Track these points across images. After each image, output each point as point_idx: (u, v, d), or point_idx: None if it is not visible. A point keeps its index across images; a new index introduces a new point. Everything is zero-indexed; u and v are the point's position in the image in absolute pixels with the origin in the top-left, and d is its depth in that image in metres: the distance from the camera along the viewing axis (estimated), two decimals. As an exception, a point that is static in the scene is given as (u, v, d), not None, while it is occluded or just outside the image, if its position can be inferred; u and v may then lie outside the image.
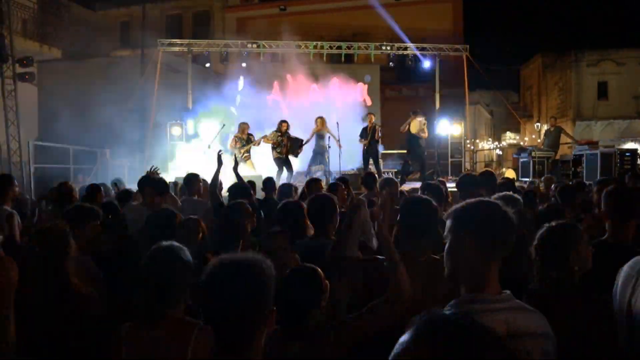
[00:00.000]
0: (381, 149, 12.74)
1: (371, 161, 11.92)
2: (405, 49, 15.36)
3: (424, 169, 11.98)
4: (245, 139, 10.90)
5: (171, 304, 2.00)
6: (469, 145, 17.30)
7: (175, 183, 8.01)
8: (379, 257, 2.38)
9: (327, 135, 11.36)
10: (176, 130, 14.27)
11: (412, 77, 18.24)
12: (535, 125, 26.62)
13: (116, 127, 13.81)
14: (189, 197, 5.66)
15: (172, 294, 2.00)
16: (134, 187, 5.85)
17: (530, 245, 2.28)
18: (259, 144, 10.96)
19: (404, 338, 0.84)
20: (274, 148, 10.91)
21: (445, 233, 1.69)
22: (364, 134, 11.79)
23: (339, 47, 15.47)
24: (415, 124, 11.50)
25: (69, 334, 2.34)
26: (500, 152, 27.94)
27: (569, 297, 2.08)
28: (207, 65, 15.36)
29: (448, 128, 15.03)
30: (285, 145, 10.83)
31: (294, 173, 10.96)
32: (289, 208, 3.43)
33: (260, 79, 15.00)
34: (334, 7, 21.83)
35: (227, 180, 5.97)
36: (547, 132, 13.30)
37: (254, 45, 15.24)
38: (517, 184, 7.87)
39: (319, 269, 2.07)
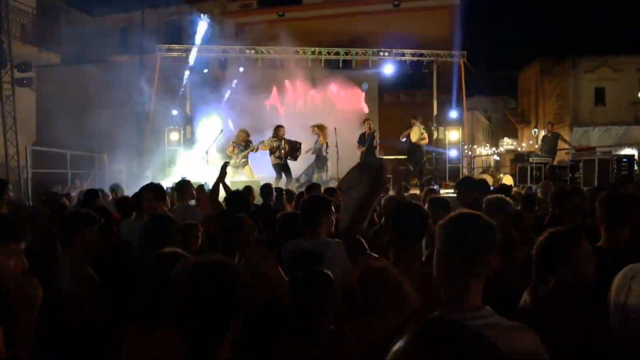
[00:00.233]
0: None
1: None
2: (403, 55, 15.41)
3: (422, 174, 12.00)
4: (243, 145, 10.95)
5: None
6: (466, 151, 17.33)
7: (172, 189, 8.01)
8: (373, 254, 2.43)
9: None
10: (174, 136, 14.29)
11: (410, 83, 18.25)
12: (532, 131, 26.63)
13: (114, 132, 13.81)
14: (182, 204, 5.67)
15: None
16: (131, 192, 5.85)
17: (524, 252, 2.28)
18: (257, 150, 10.99)
19: (399, 345, 0.83)
20: (272, 153, 10.93)
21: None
22: (362, 140, 11.81)
23: (337, 53, 15.53)
24: (416, 133, 11.53)
25: (61, 339, 2.33)
26: (498, 158, 27.96)
27: (564, 309, 2.07)
28: (206, 70, 15.38)
29: (446, 134, 15.07)
30: (284, 149, 10.86)
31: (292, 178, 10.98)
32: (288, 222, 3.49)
33: (259, 84, 15.01)
34: (332, 13, 21.90)
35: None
36: (544, 138, 13.33)
37: (252, 51, 15.29)
38: (514, 189, 7.93)
39: (330, 273, 2.10)
